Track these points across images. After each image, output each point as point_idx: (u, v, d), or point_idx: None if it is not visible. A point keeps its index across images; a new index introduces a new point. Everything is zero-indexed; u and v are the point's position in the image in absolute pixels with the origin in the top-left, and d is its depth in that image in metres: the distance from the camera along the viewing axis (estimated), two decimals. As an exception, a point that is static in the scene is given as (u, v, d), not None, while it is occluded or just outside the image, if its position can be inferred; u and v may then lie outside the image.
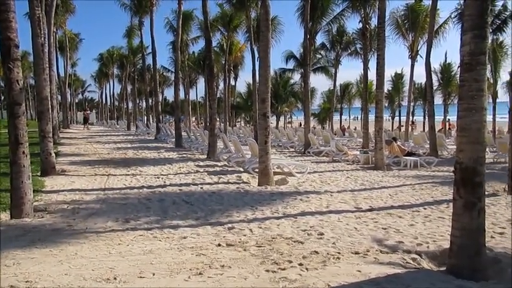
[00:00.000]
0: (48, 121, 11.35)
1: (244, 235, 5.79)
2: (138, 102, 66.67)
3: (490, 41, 26.26)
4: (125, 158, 15.25)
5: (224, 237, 5.69)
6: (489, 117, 32.56)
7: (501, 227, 6.39)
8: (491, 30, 24.74)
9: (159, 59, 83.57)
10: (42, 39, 11.52)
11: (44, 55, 11.52)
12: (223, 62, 35.72)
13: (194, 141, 21.22)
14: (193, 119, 61.62)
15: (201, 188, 9.45)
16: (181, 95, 42.85)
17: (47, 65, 11.88)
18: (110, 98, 71.33)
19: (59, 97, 36.22)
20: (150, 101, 45.63)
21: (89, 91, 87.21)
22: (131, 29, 39.98)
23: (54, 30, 28.59)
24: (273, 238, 5.62)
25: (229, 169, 12.61)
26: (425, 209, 7.70)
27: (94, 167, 12.56)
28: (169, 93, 77.09)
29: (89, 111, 48.11)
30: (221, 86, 44.31)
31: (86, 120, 41.04)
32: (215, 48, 35.94)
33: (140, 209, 7.32)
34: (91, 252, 4.99)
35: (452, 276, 4.31)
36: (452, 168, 4.56)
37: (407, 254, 5.07)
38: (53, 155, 11.31)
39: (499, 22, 24.69)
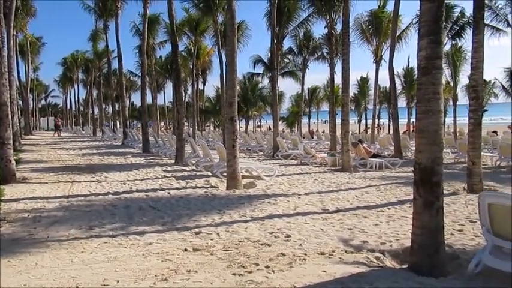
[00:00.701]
0: (8, 127, 10.92)
1: (212, 239, 5.77)
2: (104, 107, 65.31)
3: (449, 46, 27.45)
4: (90, 164, 14.88)
5: (191, 242, 5.65)
6: (451, 119, 33.88)
7: (460, 224, 6.64)
8: (450, 36, 25.77)
9: (126, 63, 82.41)
10: (1, 42, 11.10)
11: (3, 59, 11.08)
12: (191, 67, 35.53)
13: (162, 146, 20.96)
14: (162, 124, 60.88)
15: (169, 193, 9.34)
16: (149, 99, 42.33)
17: (6, 69, 11.42)
18: (75, 104, 69.59)
19: (20, 103, 35.00)
20: (116, 106, 44.84)
21: (52, 96, 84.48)
22: (96, 32, 39.18)
23: (14, 33, 27.63)
24: (240, 241, 5.63)
25: (198, 174, 12.53)
26: (389, 209, 7.90)
27: (57, 174, 12.19)
28: (136, 98, 75.87)
29: (59, 119, 47.00)
30: (189, 90, 44.03)
31: (57, 127, 40.06)
32: (183, 53, 35.73)
33: (105, 215, 7.16)
34: (52, 261, 4.84)
35: (413, 273, 4.44)
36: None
37: (372, 253, 5.19)
38: (13, 162, 10.91)
39: (457, 28, 25.68)
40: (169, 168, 13.62)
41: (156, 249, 5.30)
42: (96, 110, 52.24)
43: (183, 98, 36.53)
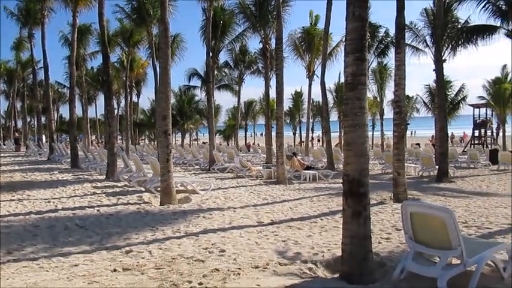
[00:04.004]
0: None
1: (143, 258, 5.54)
2: (29, 120, 61.24)
3: (376, 64, 29.16)
4: (10, 182, 13.79)
5: (121, 261, 5.38)
6: (378, 133, 35.83)
7: (387, 233, 6.96)
8: (376, 54, 27.39)
9: (53, 74, 78.10)
10: None
11: None
12: (125, 78, 34.49)
13: (92, 161, 20.01)
14: (93, 137, 58.25)
15: (98, 210, 8.89)
16: (79, 112, 40.40)
17: None
18: (-5, 116, 64.49)
19: None
20: (43, 119, 42.27)
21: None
22: (20, 41, 36.88)
23: None
24: (173, 259, 5.46)
25: (130, 189, 12.07)
26: (322, 219, 8.11)
27: (-28, 193, 11.16)
28: (65, 111, 71.90)
29: (17, 135, 43.98)
30: (123, 102, 42.64)
31: (17, 141, 37.25)
32: (115, 64, 34.65)
33: (25, 237, 6.64)
34: (-39, 290, 4.38)
35: (344, 282, 4.56)
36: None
37: (305, 264, 5.27)
38: None
39: (383, 47, 27.38)
40: (99, 184, 13.01)
41: (82, 271, 4.99)
42: (20, 123, 48.82)
43: (116, 110, 35.40)
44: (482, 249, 4.47)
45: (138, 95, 45.98)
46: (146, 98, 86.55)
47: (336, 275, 4.88)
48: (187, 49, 30.14)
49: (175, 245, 6.16)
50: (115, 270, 5.02)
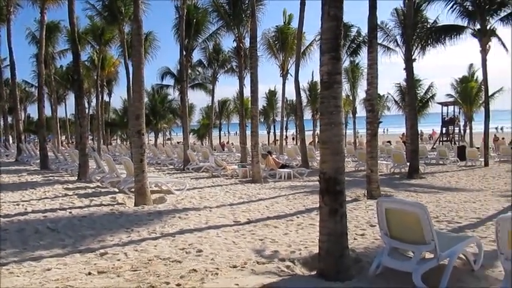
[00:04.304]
0: None
1: (118, 260, 5.44)
2: (-6, 120, 59.10)
3: (348, 63, 29.59)
4: (-24, 185, 13.28)
5: (95, 264, 5.27)
6: (351, 131, 36.42)
7: (362, 229, 7.08)
8: (348, 54, 27.79)
9: (20, 73, 75.56)
10: None
11: None
12: (96, 77, 33.77)
13: (63, 161, 19.49)
14: (63, 138, 56.76)
15: (70, 212, 8.66)
16: (48, 112, 39.31)
17: None
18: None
19: None
20: (9, 119, 40.92)
21: None
22: (-17, 38, 35.43)
23: None
24: (150, 260, 5.39)
25: (103, 190, 11.83)
26: (298, 217, 8.17)
27: None
28: (33, 110, 69.74)
29: None
30: (94, 102, 41.72)
31: None
32: (86, 63, 33.87)
33: (-6, 241, 6.40)
34: None
35: (321, 279, 4.61)
36: (318, 178, 4.92)
37: (282, 262, 5.29)
38: None
39: (355, 46, 27.81)
40: (71, 186, 12.68)
41: (55, 275, 4.85)
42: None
43: (87, 110, 34.57)
44: (454, 244, 4.61)
45: (110, 94, 45.21)
46: (118, 97, 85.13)
47: (314, 272, 4.92)
48: (160, 48, 29.73)
49: (151, 246, 6.07)
50: (90, 273, 4.91)
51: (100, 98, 35.41)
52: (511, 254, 3.67)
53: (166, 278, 4.68)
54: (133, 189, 10.19)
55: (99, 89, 34.66)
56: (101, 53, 32.10)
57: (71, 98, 46.56)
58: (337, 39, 4.80)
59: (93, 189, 11.98)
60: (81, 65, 17.15)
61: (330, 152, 4.75)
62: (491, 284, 4.41)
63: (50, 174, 16.21)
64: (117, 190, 11.72)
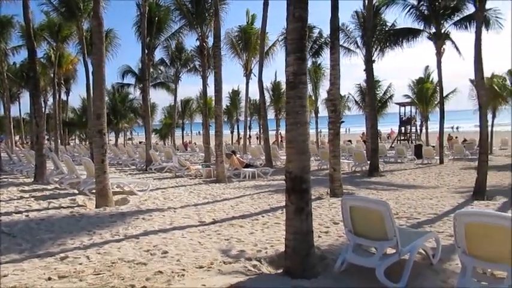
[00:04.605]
0: None
1: (80, 264, 5.28)
2: None
3: (310, 63, 30.00)
4: None
5: (56, 269, 5.08)
6: (313, 130, 37.00)
7: (326, 227, 7.21)
8: (311, 54, 28.20)
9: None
10: None
11: None
12: (52, 75, 32.52)
13: (17, 163, 18.68)
14: (17, 138, 54.29)
15: (27, 216, 8.30)
16: (1, 111, 37.47)
17: None
18: None
19: None
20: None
21: None
22: None
23: None
24: (113, 263, 5.26)
25: (62, 192, 11.41)
26: (263, 216, 8.23)
27: None
28: (-16, 109, 66.26)
29: None
30: (50, 100, 40.19)
31: None
32: (42, 60, 32.53)
33: None
34: None
35: (288, 277, 4.66)
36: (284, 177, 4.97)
37: (249, 261, 5.31)
38: None
39: (317, 47, 28.27)
40: (27, 188, 12.15)
41: (12, 281, 4.64)
42: None
43: (43, 109, 33.24)
44: (413, 239, 4.78)
45: (68, 93, 43.64)
46: (76, 96, 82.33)
47: (280, 271, 4.97)
48: (121, 46, 29.00)
49: (114, 249, 5.93)
50: (50, 278, 4.73)
51: (57, 97, 34.12)
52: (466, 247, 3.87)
53: (132, 281, 4.58)
54: (94, 191, 9.91)
55: (56, 87, 33.39)
56: (58, 50, 30.93)
57: (25, 97, 44.67)
58: (302, 40, 4.88)
59: (51, 191, 11.54)
60: (37, 62, 16.47)
61: (296, 151, 4.81)
62: (448, 277, 4.62)
63: (4, 176, 15.48)
64: (77, 192, 11.34)
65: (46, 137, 37.52)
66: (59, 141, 33.26)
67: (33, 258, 5.55)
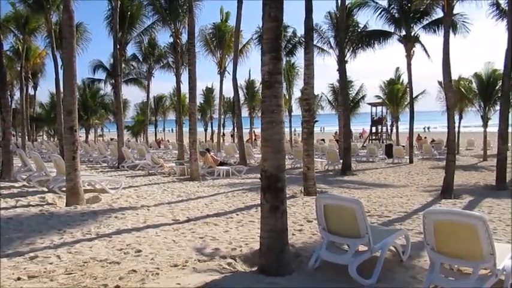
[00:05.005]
0: None
1: (51, 263, 5.16)
2: None
3: (284, 63, 30.17)
4: None
5: (25, 268, 4.95)
6: (286, 129, 37.27)
7: (300, 225, 7.31)
8: (285, 53, 28.35)
9: None
10: None
11: None
12: (19, 69, 31.46)
13: (-18, 159, 17.97)
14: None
15: (-7, 214, 8.05)
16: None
17: None
18: None
19: None
20: None
21: None
22: None
23: None
24: (85, 262, 5.17)
25: (30, 190, 11.08)
26: (237, 214, 8.25)
27: None
28: None
29: None
30: (17, 95, 38.86)
31: None
32: (8, 53, 31.43)
33: None
34: None
35: (263, 275, 4.71)
36: (259, 175, 5.01)
37: (224, 259, 5.33)
38: None
39: (291, 46, 28.44)
40: (-8, 186, 11.76)
41: (-21, 282, 4.50)
42: None
43: (9, 103, 32.09)
44: (384, 236, 4.92)
45: (35, 87, 42.32)
46: (45, 91, 79.91)
47: (255, 268, 5.01)
48: (92, 40, 28.29)
49: (86, 248, 5.82)
50: (19, 278, 4.61)
51: (24, 91, 33.04)
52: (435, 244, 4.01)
53: (104, 280, 4.53)
54: (64, 189, 9.68)
55: (24, 82, 32.33)
56: (25, 42, 29.93)
57: (-10, 91, 43.05)
58: (278, 40, 4.93)
59: (19, 189, 11.19)
60: (3, 55, 15.91)
61: (272, 150, 4.86)
62: (418, 273, 4.77)
63: (-32, 173, 14.89)
64: (46, 190, 11.04)
65: (13, 132, 36.35)
66: (26, 137, 32.24)
67: (1, 258, 5.38)
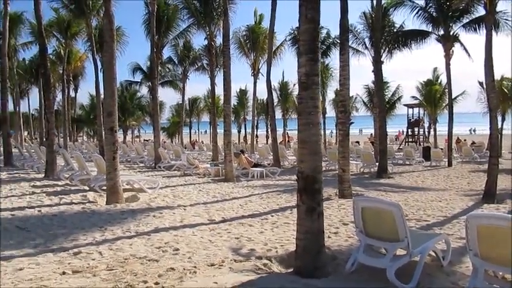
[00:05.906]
0: None
1: (93, 259, 5.35)
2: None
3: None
4: None
5: (69, 263, 5.17)
6: (321, 131, 37.13)
7: (335, 227, 7.24)
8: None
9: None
10: None
11: None
12: (61, 72, 32.80)
13: (28, 158, 18.87)
14: (26, 133, 54.83)
15: (39, 211, 8.42)
16: (10, 106, 37.75)
17: None
18: None
19: None
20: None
21: None
22: None
23: None
24: (126, 259, 5.33)
25: (73, 188, 11.54)
26: (272, 216, 8.27)
27: None
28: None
29: None
30: (59, 97, 40.46)
31: None
32: (51, 56, 32.84)
33: (-41, 241, 6.16)
34: None
35: (298, 276, 4.70)
36: (293, 177, 5.02)
37: (259, 260, 5.35)
38: None
39: (325, 48, 28.22)
40: (38, 184, 12.30)
41: (28, 275, 4.73)
42: None
43: (53, 105, 33.46)
44: (424, 241, 4.80)
45: (76, 89, 44.01)
46: (85, 93, 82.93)
47: (290, 270, 5.01)
48: (129, 43, 29.24)
49: (126, 245, 6.00)
50: (64, 273, 4.81)
51: (66, 93, 34.41)
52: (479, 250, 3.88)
53: (144, 277, 4.65)
54: (104, 188, 10.01)
55: (65, 84, 33.68)
56: (67, 46, 31.20)
57: (33, 92, 45.09)
58: (315, 41, 4.92)
59: (62, 187, 11.67)
60: (47, 58, 16.63)
61: (308, 151, 4.85)
62: (459, 279, 4.64)
63: (15, 172, 15.67)
64: (87, 188, 11.46)
65: (55, 133, 37.83)
66: (68, 137, 33.54)
67: (47, 252, 5.64)
